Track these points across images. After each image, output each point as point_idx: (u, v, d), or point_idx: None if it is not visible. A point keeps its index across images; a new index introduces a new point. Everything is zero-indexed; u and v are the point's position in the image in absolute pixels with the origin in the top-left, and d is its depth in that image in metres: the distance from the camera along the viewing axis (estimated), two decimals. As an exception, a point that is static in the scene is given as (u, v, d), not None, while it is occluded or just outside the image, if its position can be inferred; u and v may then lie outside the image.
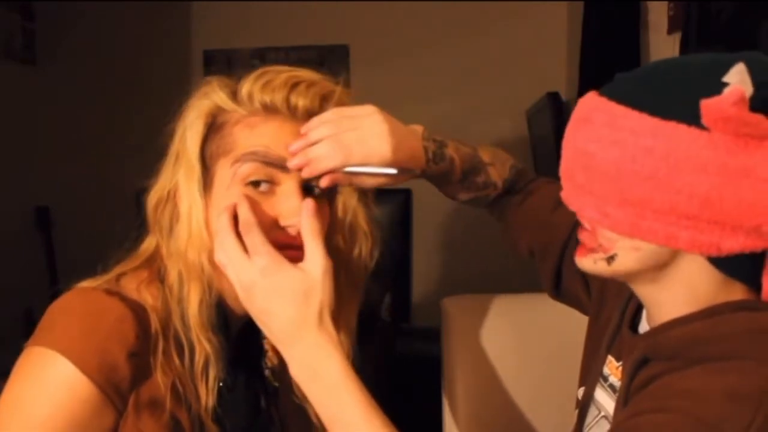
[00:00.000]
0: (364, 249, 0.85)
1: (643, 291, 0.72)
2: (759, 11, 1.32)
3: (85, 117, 3.05)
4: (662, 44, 1.86)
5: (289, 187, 0.77)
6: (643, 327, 0.77)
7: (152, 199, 0.81)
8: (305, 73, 0.80)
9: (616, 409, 0.72)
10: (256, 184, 0.76)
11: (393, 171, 0.80)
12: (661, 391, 0.64)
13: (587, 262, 0.71)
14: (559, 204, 0.94)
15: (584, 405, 0.82)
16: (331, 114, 0.80)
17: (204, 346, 0.76)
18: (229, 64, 3.11)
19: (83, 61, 3.04)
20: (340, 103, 0.82)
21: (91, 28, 3.07)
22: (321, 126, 0.79)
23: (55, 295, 0.77)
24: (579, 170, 0.67)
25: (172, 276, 0.78)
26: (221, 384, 0.77)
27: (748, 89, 0.59)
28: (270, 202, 0.77)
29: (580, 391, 0.84)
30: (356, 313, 0.87)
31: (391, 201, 2.74)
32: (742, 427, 0.56)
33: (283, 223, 0.76)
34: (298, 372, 0.72)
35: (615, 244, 0.67)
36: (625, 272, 0.69)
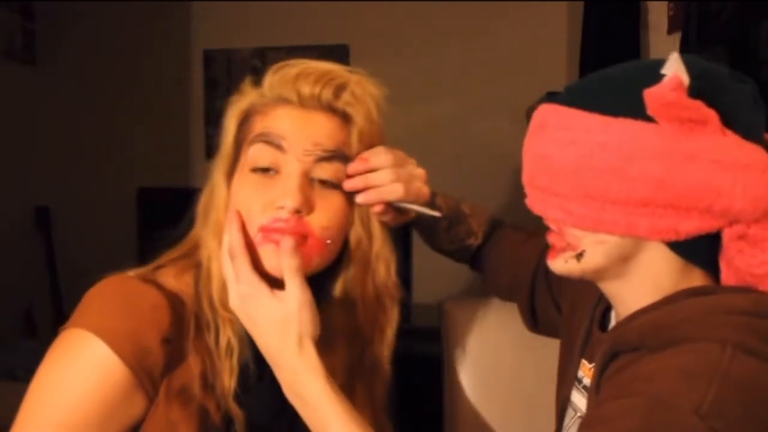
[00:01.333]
0: (381, 243, 0.86)
1: (610, 288, 0.75)
2: (759, 11, 1.32)
3: (85, 117, 3.05)
4: (662, 44, 1.86)
5: (289, 170, 0.78)
6: (611, 326, 0.80)
7: (202, 194, 0.85)
8: (319, 65, 0.84)
9: (589, 399, 0.75)
10: (262, 170, 0.79)
11: (437, 214, 0.87)
12: (625, 379, 0.67)
13: (559, 264, 0.74)
14: (525, 240, 1.03)
15: (562, 408, 0.85)
16: (385, 149, 0.84)
17: (227, 326, 0.77)
18: (229, 64, 3.11)
19: (83, 61, 3.04)
20: (360, 91, 0.83)
21: (91, 28, 3.07)
22: (381, 155, 0.83)
23: (55, 294, 0.77)
24: (540, 174, 0.72)
25: (204, 260, 0.80)
26: (248, 371, 0.78)
27: (685, 78, 0.63)
28: (273, 184, 0.78)
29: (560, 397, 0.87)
30: (394, 324, 0.89)
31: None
32: (696, 402, 0.59)
33: (276, 204, 0.76)
34: (286, 392, 0.74)
35: (581, 240, 0.70)
36: (594, 268, 0.72)
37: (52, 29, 3.04)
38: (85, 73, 3.07)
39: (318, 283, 0.83)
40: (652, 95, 0.64)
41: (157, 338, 0.73)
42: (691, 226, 0.66)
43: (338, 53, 3.27)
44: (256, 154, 0.79)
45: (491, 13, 3.03)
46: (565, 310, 0.93)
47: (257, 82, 0.84)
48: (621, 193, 0.66)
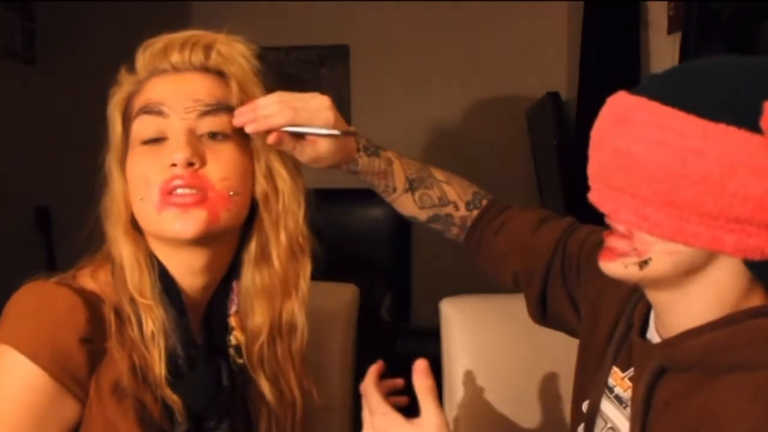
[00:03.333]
0: (287, 197, 0.84)
1: (662, 297, 0.70)
2: (759, 11, 1.32)
3: (86, 117, 3.04)
4: (662, 44, 1.86)
5: (175, 131, 0.78)
6: (651, 333, 0.75)
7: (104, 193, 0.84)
8: (182, 33, 0.83)
9: (633, 420, 0.70)
10: (149, 142, 0.78)
11: (336, 132, 0.83)
12: (693, 415, 0.63)
13: (616, 267, 0.69)
14: (537, 227, 0.96)
15: (590, 417, 0.80)
16: (279, 93, 0.83)
17: (147, 313, 0.77)
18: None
19: (83, 61, 3.04)
20: (228, 48, 0.84)
21: (91, 28, 3.07)
22: (269, 97, 0.82)
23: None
24: (617, 172, 0.65)
25: (114, 253, 0.80)
26: (178, 358, 0.78)
27: None
28: (164, 150, 0.78)
29: (585, 405, 0.82)
30: (307, 275, 0.87)
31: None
32: None
33: (170, 161, 0.76)
34: None
35: (651, 247, 0.65)
36: (656, 277, 0.67)
37: (52, 29, 3.04)
38: (85, 73, 3.07)
39: (240, 245, 0.84)
40: None
41: (74, 338, 0.72)
42: None
43: (338, 53, 3.27)
44: (140, 127, 0.79)
45: (491, 14, 3.03)
46: (585, 310, 0.88)
47: (130, 68, 0.84)
48: (714, 206, 0.60)
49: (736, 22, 1.39)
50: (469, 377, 1.24)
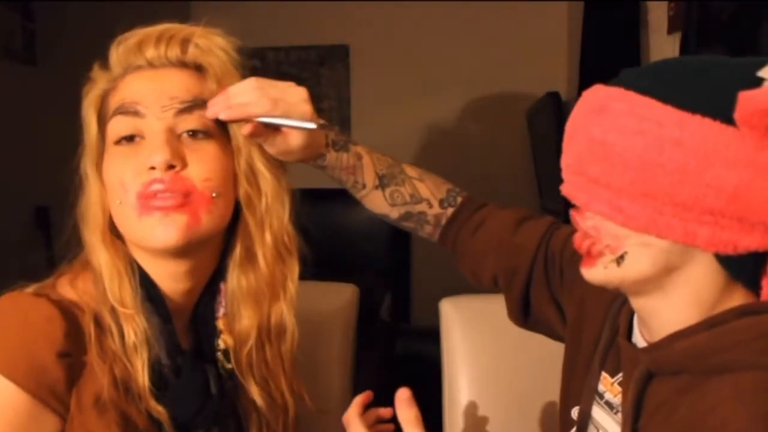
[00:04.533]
0: (271, 198, 0.81)
1: (644, 303, 0.69)
2: (759, 11, 1.32)
3: (85, 117, 3.04)
4: (662, 44, 1.86)
5: (152, 131, 0.74)
6: (636, 337, 0.74)
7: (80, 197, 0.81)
8: (158, 26, 0.81)
9: (624, 425, 0.70)
10: (125, 139, 0.75)
11: (312, 125, 0.79)
12: (687, 418, 0.62)
13: (597, 272, 0.68)
14: (518, 226, 0.93)
15: (582, 424, 0.80)
16: (254, 79, 0.79)
17: (128, 323, 0.74)
18: (229, 64, 3.11)
19: (83, 61, 3.03)
20: (206, 41, 0.80)
21: (91, 28, 3.07)
22: (244, 83, 0.78)
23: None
24: (593, 162, 0.65)
25: (92, 260, 0.77)
26: (163, 368, 0.75)
27: None
28: (140, 149, 0.75)
29: (574, 411, 0.82)
30: (295, 276, 0.84)
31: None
32: None
33: (146, 165, 0.73)
34: None
35: (624, 241, 0.64)
36: (636, 276, 0.66)
37: (52, 29, 3.04)
38: (85, 73, 3.07)
39: (225, 248, 0.81)
40: (748, 100, 0.57)
41: (51, 353, 0.69)
42: (751, 242, 0.61)
43: (338, 53, 3.27)
44: (115, 128, 0.75)
45: (491, 14, 3.03)
46: (570, 313, 0.87)
47: (104, 65, 0.81)
48: (689, 197, 0.60)
49: (736, 22, 1.39)
50: (468, 377, 1.24)
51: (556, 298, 0.90)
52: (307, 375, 0.93)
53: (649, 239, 0.63)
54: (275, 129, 0.79)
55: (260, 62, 3.23)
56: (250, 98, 0.77)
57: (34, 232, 2.95)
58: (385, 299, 2.76)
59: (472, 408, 1.23)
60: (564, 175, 0.69)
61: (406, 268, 3.14)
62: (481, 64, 3.06)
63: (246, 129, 0.77)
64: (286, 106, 0.78)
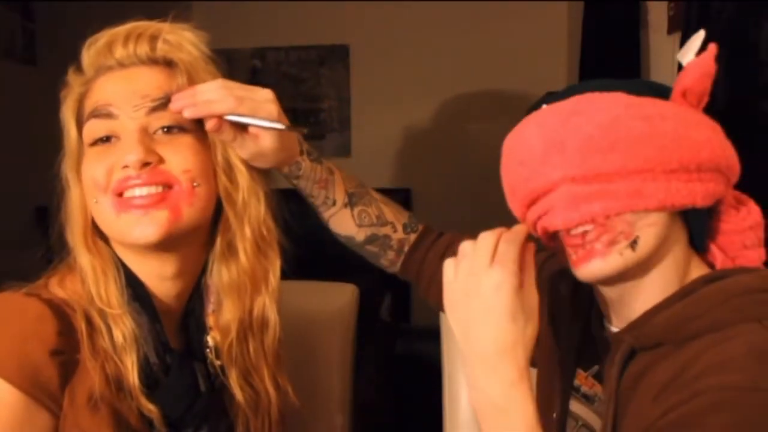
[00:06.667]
0: (246, 191, 0.81)
1: (617, 291, 0.73)
2: (759, 11, 1.32)
3: (85, 117, 3.04)
4: (662, 44, 1.86)
5: (126, 132, 0.75)
6: (609, 332, 0.77)
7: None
8: (126, 25, 0.81)
9: (607, 402, 0.72)
10: (100, 141, 0.76)
11: (280, 126, 0.78)
12: (678, 379, 0.64)
13: (612, 260, 0.68)
14: None
15: (561, 422, 0.81)
16: (222, 79, 0.79)
17: (117, 322, 0.75)
18: (229, 65, 3.10)
19: (83, 61, 3.04)
20: (175, 36, 0.80)
21: (91, 28, 3.07)
22: (211, 82, 0.78)
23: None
24: (589, 157, 0.67)
25: (77, 262, 0.77)
26: (152, 366, 0.76)
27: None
28: (115, 149, 0.75)
29: (555, 414, 0.82)
30: (276, 270, 0.84)
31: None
32: None
33: (120, 165, 0.74)
34: (481, 401, 0.66)
35: (635, 225, 0.67)
36: (646, 255, 0.69)
37: (52, 29, 3.04)
38: (85, 73, 3.08)
39: (210, 244, 0.82)
40: (682, 79, 0.69)
41: (43, 352, 0.70)
42: (717, 189, 0.69)
43: (338, 53, 3.27)
44: (91, 131, 0.77)
45: (491, 14, 3.03)
46: (541, 331, 0.83)
47: (78, 68, 0.82)
48: (688, 159, 0.67)
49: (736, 22, 1.39)
50: (469, 377, 1.24)
51: None
52: (307, 375, 0.92)
53: (656, 217, 0.68)
54: (243, 129, 0.79)
55: (260, 62, 3.23)
56: (216, 96, 0.76)
57: (34, 232, 2.95)
58: (385, 299, 2.76)
59: (472, 408, 1.23)
60: (562, 194, 0.69)
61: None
62: (481, 64, 3.06)
63: (209, 124, 0.76)
64: (252, 104, 0.78)
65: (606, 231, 0.68)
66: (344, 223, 0.93)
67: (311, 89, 3.27)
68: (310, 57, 3.26)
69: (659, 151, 0.66)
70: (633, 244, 0.68)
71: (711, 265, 0.74)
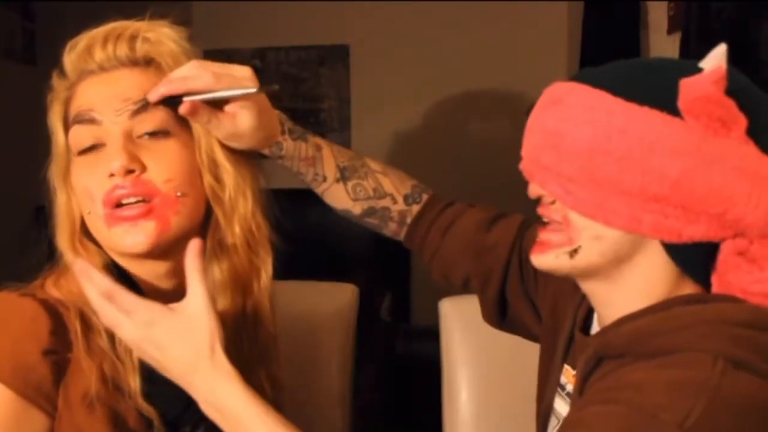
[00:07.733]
0: (233, 189, 0.80)
1: (596, 290, 0.71)
2: (759, 11, 1.32)
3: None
4: (662, 44, 1.86)
5: (110, 138, 0.74)
6: (595, 330, 0.76)
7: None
8: (105, 26, 0.81)
9: (570, 410, 0.72)
10: (87, 150, 0.76)
11: (253, 90, 0.76)
12: (608, 384, 0.64)
13: (547, 259, 0.70)
14: (490, 226, 0.92)
15: (545, 416, 0.81)
16: (196, 60, 0.78)
17: None
18: (229, 64, 3.12)
19: (83, 61, 3.04)
20: (154, 34, 0.80)
21: (91, 28, 3.07)
22: (187, 64, 0.77)
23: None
24: (546, 151, 0.68)
25: (68, 263, 0.78)
26: (149, 366, 0.75)
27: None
28: (101, 158, 0.75)
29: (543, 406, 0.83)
30: (268, 267, 0.84)
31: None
32: (681, 416, 0.55)
33: (107, 172, 0.73)
34: (205, 410, 0.70)
35: (580, 235, 0.66)
36: (585, 266, 0.68)
37: (52, 29, 3.04)
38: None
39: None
40: (689, 86, 0.60)
41: (37, 351, 0.70)
42: (696, 231, 0.63)
43: (338, 53, 3.27)
44: (75, 138, 0.76)
45: (491, 14, 3.03)
46: (545, 313, 0.87)
47: (61, 72, 0.81)
48: (633, 184, 0.62)
49: (736, 22, 1.40)
50: (468, 377, 1.24)
51: (531, 298, 0.90)
52: (307, 375, 0.92)
53: (603, 231, 0.66)
54: (219, 109, 0.77)
55: (260, 62, 3.23)
56: (191, 73, 0.76)
57: (33, 232, 2.95)
58: (385, 299, 2.76)
59: (471, 408, 1.23)
60: (521, 165, 0.73)
61: (406, 268, 3.14)
62: (481, 64, 3.06)
63: (183, 108, 0.75)
64: (230, 80, 0.77)
65: (560, 230, 0.69)
66: (338, 197, 0.91)
67: (311, 89, 3.27)
68: (310, 57, 3.26)
69: (596, 167, 0.64)
70: (573, 253, 0.67)
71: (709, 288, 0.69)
